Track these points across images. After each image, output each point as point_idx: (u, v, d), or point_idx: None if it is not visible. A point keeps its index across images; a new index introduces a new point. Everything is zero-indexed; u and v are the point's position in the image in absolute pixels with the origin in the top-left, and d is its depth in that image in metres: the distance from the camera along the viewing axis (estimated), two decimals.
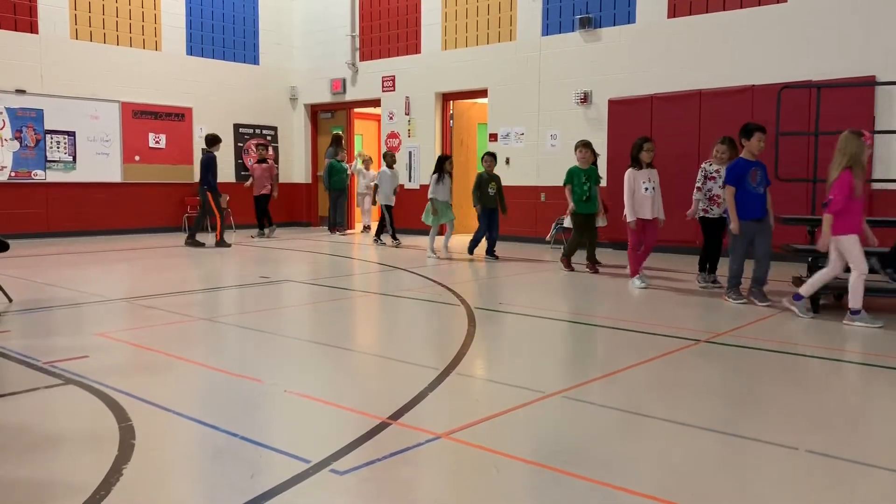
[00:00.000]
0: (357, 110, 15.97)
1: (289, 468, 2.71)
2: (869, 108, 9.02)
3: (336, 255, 10.69)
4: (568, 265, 8.73)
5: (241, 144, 15.25)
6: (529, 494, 2.58)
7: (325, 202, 15.39)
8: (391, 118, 14.38)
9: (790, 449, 2.97)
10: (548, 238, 11.61)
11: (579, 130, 11.56)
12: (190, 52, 14.33)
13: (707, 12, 10.39)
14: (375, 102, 14.77)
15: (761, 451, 2.97)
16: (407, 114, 14.10)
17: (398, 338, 5.41)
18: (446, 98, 13.80)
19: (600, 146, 11.29)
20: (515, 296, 7.16)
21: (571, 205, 8.70)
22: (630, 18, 11.13)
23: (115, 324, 5.59)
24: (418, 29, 13.78)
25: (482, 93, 13.09)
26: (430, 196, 10.30)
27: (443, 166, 10.39)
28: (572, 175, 8.71)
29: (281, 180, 15.92)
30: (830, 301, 6.51)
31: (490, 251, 10.06)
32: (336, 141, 14.43)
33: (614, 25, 11.28)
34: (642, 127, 10.60)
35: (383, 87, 14.44)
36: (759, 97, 9.66)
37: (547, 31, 12.03)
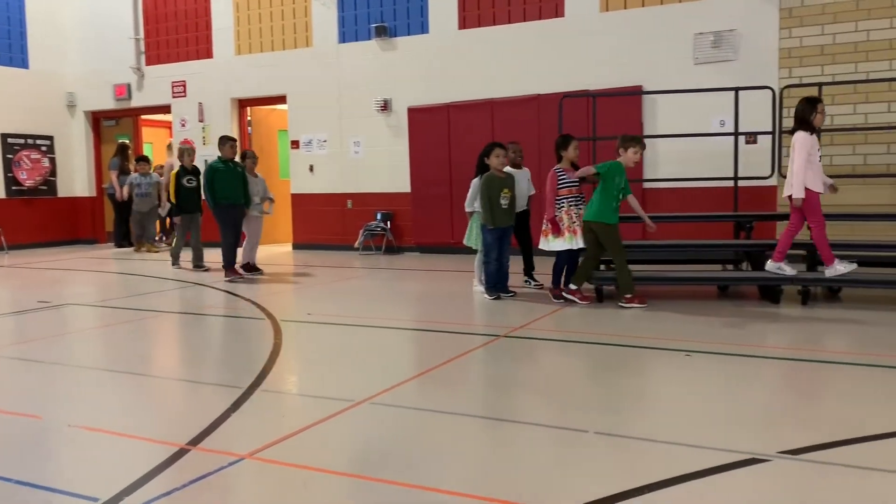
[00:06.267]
0: (145, 117, 14.97)
1: None
2: (637, 114, 9.98)
3: (127, 273, 9.94)
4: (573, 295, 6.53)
5: (11, 156, 13.71)
6: None
7: (110, 216, 14.15)
8: (183, 125, 13.64)
9: (580, 431, 3.22)
10: (356, 245, 11.62)
11: (382, 137, 11.70)
12: None
13: (494, 24, 10.94)
14: (165, 109, 13.92)
15: (557, 436, 3.19)
16: (201, 120, 13.44)
17: (199, 358, 5.14)
18: (243, 104, 13.34)
19: (402, 154, 11.53)
20: (324, 305, 7.08)
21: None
22: (423, 28, 11.44)
23: None
24: (209, 33, 13.20)
25: (281, 99, 12.83)
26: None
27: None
28: (612, 170, 6.37)
29: (60, 194, 14.57)
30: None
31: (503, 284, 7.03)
32: (121, 149, 13.49)
33: (409, 35, 11.54)
34: (441, 134, 10.95)
35: (173, 92, 13.66)
36: (545, 105, 10.32)
37: (344, 38, 12.03)
